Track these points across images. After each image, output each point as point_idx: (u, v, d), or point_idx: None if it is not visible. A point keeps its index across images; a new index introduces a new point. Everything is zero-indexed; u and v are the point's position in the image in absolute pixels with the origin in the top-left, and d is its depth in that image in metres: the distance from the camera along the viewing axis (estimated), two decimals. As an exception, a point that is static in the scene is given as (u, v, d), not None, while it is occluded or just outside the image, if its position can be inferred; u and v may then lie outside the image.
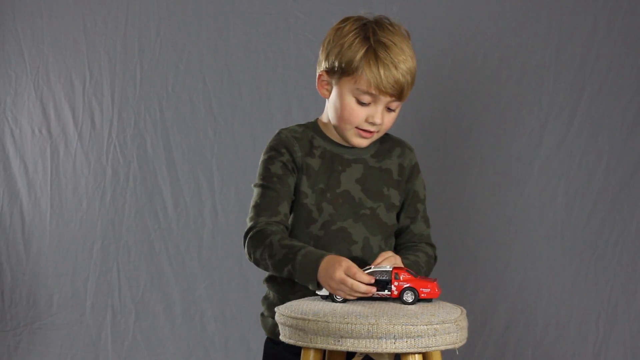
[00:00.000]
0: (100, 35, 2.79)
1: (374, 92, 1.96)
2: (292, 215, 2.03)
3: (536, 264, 2.60)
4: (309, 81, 2.49)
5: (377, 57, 1.96)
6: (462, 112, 2.63)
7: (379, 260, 1.90)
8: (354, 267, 1.83)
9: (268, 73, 2.72)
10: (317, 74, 2.04)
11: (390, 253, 1.92)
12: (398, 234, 2.09)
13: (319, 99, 2.11)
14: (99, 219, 2.80)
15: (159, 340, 2.78)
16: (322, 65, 2.03)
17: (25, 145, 2.83)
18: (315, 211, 2.00)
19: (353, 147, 2.06)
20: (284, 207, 2.00)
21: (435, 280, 1.89)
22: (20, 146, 2.83)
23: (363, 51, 1.96)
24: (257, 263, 1.99)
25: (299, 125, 2.08)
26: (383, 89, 1.96)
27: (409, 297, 1.84)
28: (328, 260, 1.86)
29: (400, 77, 1.96)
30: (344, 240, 2.00)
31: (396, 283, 1.85)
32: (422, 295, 1.84)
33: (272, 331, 2.03)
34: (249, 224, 1.99)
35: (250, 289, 2.71)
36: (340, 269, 1.83)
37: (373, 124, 2.00)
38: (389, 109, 2.01)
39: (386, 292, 1.83)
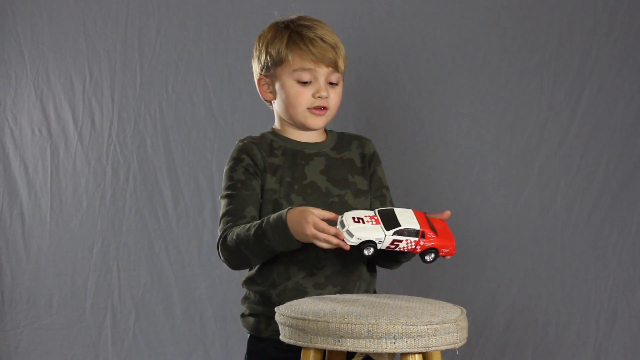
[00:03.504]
0: (100, 35, 2.79)
1: (310, 66, 2.04)
2: (263, 212, 2.05)
3: (536, 264, 2.60)
4: (309, 81, 2.49)
5: (301, 36, 2.05)
6: (462, 112, 2.63)
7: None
8: (320, 223, 1.86)
9: (268, 73, 2.72)
10: (256, 83, 2.12)
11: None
12: None
13: (319, 99, 2.12)
14: (99, 219, 2.80)
15: (159, 340, 2.78)
16: (257, 71, 2.11)
17: (25, 145, 2.83)
18: (285, 204, 2.03)
19: (313, 143, 2.11)
20: (250, 211, 2.03)
21: (453, 239, 1.89)
22: (20, 146, 2.83)
23: (286, 37, 2.06)
24: (237, 266, 2.04)
25: (256, 135, 2.14)
26: (317, 60, 2.03)
27: (430, 257, 1.87)
28: (293, 215, 1.89)
29: (329, 48, 2.04)
30: None
31: (422, 242, 1.86)
32: (441, 254, 1.88)
33: (255, 328, 2.06)
34: (218, 235, 2.04)
35: (250, 289, 2.71)
36: (308, 226, 1.86)
37: (321, 97, 2.05)
38: (331, 84, 2.07)
39: (372, 250, 1.84)
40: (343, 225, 1.86)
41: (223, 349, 2.75)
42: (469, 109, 2.63)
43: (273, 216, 1.94)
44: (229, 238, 1.99)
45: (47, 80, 2.81)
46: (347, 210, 1.97)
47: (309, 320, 1.76)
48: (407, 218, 1.88)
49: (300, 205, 2.01)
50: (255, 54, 2.11)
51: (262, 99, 2.15)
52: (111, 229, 2.80)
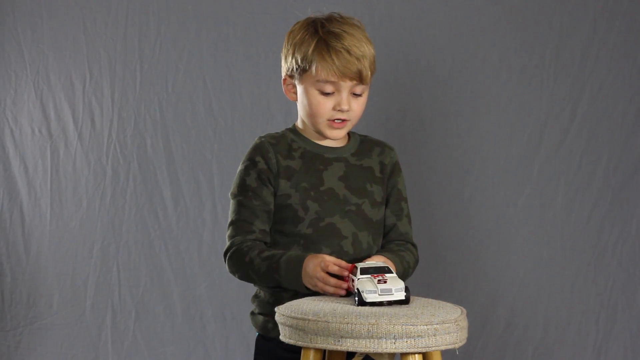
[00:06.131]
0: (100, 35, 2.79)
1: (333, 79, 2.00)
2: (277, 218, 2.04)
3: (536, 264, 2.60)
4: (309, 81, 2.49)
5: (328, 46, 2.00)
6: (462, 112, 2.63)
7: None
8: (329, 261, 1.87)
9: (268, 73, 2.72)
10: (282, 80, 2.09)
11: (382, 258, 1.96)
12: (385, 231, 2.10)
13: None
14: (99, 219, 2.80)
15: (159, 340, 2.78)
16: (283, 71, 2.08)
17: (25, 145, 2.83)
18: (300, 210, 2.01)
19: (333, 147, 2.08)
20: (259, 224, 2.02)
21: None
22: (20, 146, 2.84)
23: (314, 44, 2.01)
24: (241, 279, 2.04)
25: (277, 132, 2.11)
26: (340, 74, 2.00)
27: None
28: (307, 260, 1.91)
29: (355, 61, 2.00)
30: (334, 235, 2.01)
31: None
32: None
33: (264, 327, 2.05)
34: (227, 242, 2.03)
35: (250, 289, 2.70)
36: (316, 265, 1.88)
37: (341, 111, 2.03)
38: (354, 94, 2.04)
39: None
40: (376, 288, 1.82)
41: (223, 349, 2.76)
42: (469, 109, 2.63)
43: (292, 255, 1.94)
44: (242, 255, 1.99)
45: (47, 80, 2.81)
46: (363, 220, 2.01)
47: (309, 320, 1.76)
48: (380, 263, 1.88)
49: (317, 211, 2.01)
50: (284, 51, 2.08)
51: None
52: (111, 229, 2.80)
